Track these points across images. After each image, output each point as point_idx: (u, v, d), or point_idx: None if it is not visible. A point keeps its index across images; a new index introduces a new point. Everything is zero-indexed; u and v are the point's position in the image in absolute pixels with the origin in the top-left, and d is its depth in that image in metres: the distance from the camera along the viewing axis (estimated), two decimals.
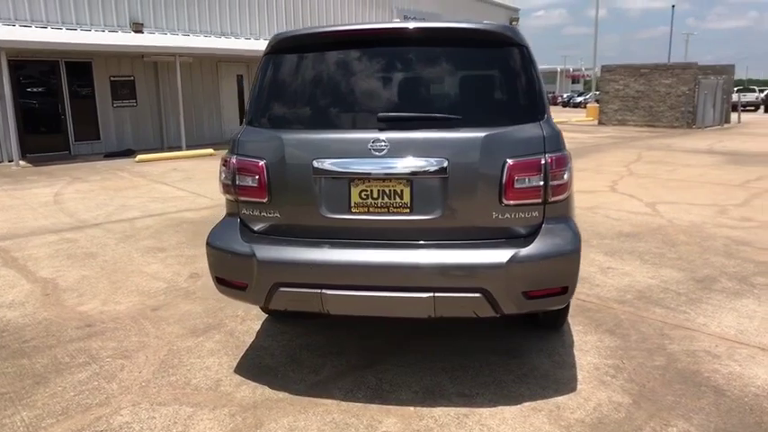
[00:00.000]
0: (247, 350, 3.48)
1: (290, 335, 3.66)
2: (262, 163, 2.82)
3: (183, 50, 14.66)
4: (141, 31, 14.96)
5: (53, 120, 14.25)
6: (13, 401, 2.94)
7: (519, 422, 2.67)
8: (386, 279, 2.63)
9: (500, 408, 2.79)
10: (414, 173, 2.64)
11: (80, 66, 14.42)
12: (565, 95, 51.05)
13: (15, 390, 3.05)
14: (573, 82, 70.13)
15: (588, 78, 56.56)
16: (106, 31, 14.44)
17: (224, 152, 3.16)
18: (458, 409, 2.78)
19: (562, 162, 2.68)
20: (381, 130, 2.69)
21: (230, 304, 4.23)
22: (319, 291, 2.67)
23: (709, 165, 11.54)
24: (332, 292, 2.65)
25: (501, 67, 2.76)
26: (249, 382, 3.10)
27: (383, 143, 2.65)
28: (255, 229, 2.93)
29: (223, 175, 2.99)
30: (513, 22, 27.22)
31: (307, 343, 3.55)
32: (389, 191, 2.69)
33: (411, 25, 2.79)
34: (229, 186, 2.94)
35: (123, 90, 15.20)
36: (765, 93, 37.71)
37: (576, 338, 3.53)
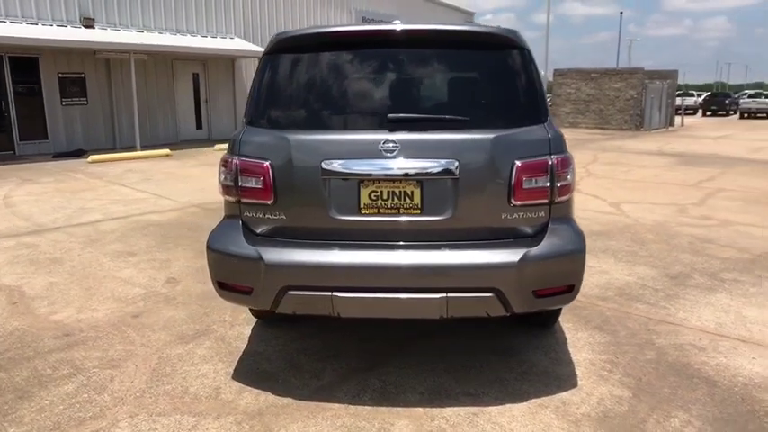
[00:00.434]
0: (242, 356, 3.39)
1: (285, 339, 3.59)
2: (266, 164, 2.75)
3: (139, 48, 14.17)
4: (92, 27, 14.34)
5: None
6: None
7: (528, 419, 2.71)
8: (398, 280, 2.62)
9: (508, 405, 2.82)
10: (425, 174, 2.64)
11: (26, 61, 13.69)
12: None
13: None
14: None
15: None
16: (54, 25, 13.76)
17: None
18: (467, 408, 2.80)
19: (566, 163, 2.74)
20: (391, 131, 2.67)
21: (216, 309, 4.11)
22: (330, 293, 2.63)
23: (661, 166, 12.07)
24: (343, 294, 2.62)
25: (506, 69, 2.80)
26: (250, 388, 3.02)
27: (394, 144, 2.64)
28: (258, 231, 2.85)
29: (223, 177, 2.90)
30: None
31: (303, 347, 3.49)
32: (400, 192, 2.67)
33: (419, 27, 2.80)
34: (231, 188, 2.85)
35: (73, 88, 14.53)
36: (703, 97, 39.80)
37: (568, 335, 3.62)
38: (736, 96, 39.67)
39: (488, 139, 2.66)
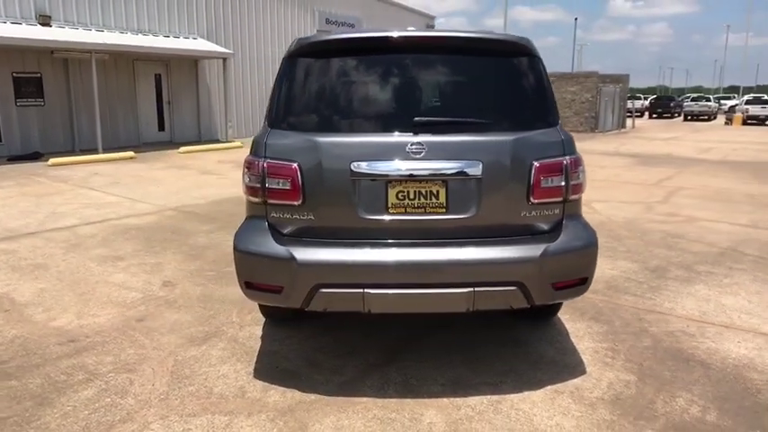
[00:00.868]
0: (259, 356, 3.43)
1: (298, 338, 3.65)
2: (295, 165, 2.82)
3: (100, 47, 13.76)
4: (49, 25, 13.83)
5: None
6: (20, 425, 2.72)
7: (548, 404, 2.88)
8: (428, 276, 2.74)
9: (526, 393, 2.98)
10: (451, 174, 2.77)
11: None
12: None
13: (17, 413, 2.82)
14: None
15: None
16: (8, 22, 13.20)
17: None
18: (489, 396, 2.95)
19: (578, 163, 2.93)
20: (416, 133, 2.79)
21: (221, 312, 4.13)
22: (362, 290, 2.72)
23: (621, 166, 12.63)
24: (375, 291, 2.72)
25: (522, 75, 2.97)
26: (275, 386, 3.07)
27: (421, 146, 2.76)
28: (285, 231, 2.91)
29: (248, 178, 2.95)
30: (429, 29, 28.06)
31: (318, 345, 3.56)
32: (426, 192, 2.79)
33: (442, 34, 2.93)
34: (257, 189, 2.90)
35: (28, 88, 13.96)
36: (649, 100, 41.66)
37: (567, 326, 3.82)
38: (680, 99, 41.72)
39: (509, 141, 2.82)
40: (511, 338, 3.63)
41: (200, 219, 7.23)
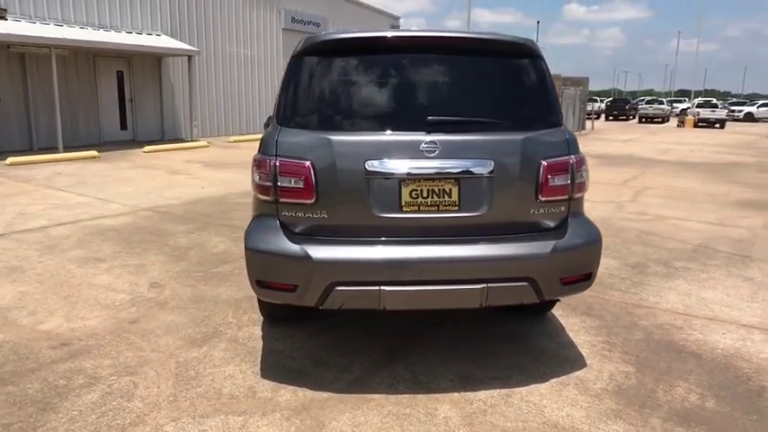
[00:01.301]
0: (263, 356, 3.40)
1: (299, 337, 3.64)
2: (308, 163, 2.82)
3: (60, 42, 13.25)
4: (5, 18, 13.23)
5: None
6: (26, 431, 2.62)
7: (556, 396, 2.97)
8: (443, 273, 2.78)
9: (534, 386, 3.07)
10: (464, 173, 2.82)
11: None
12: None
13: (21, 419, 2.72)
14: None
15: None
16: None
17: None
18: (498, 390, 3.02)
19: (582, 162, 3.04)
20: (429, 132, 2.83)
21: (216, 312, 4.07)
22: (378, 288, 2.74)
23: None
24: (391, 288, 2.75)
25: (529, 75, 3.05)
26: (284, 385, 3.06)
27: (435, 145, 2.80)
28: (297, 230, 2.91)
29: (258, 177, 2.93)
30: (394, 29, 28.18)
31: (321, 344, 3.55)
32: (439, 190, 2.84)
33: (453, 34, 2.98)
34: (269, 188, 2.88)
35: None
36: (606, 102, 43.04)
37: (562, 321, 3.94)
38: (635, 102, 43.27)
39: (519, 140, 2.89)
40: (510, 334, 3.71)
41: (176, 219, 7.08)
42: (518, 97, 3.07)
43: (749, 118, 41.13)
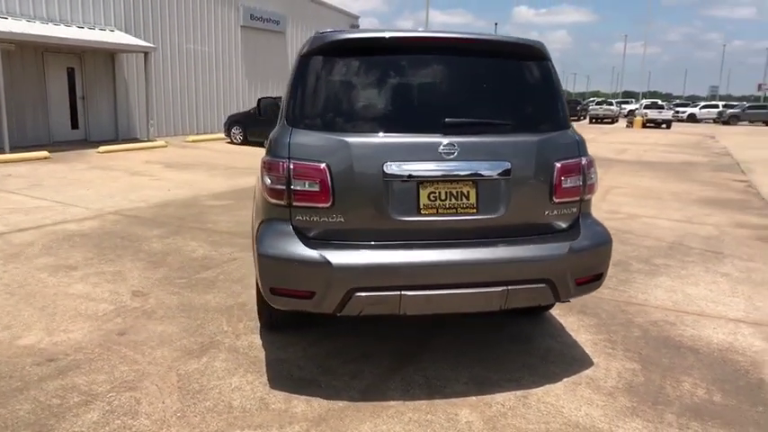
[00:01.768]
0: (268, 365, 3.28)
1: (301, 345, 3.53)
2: (323, 166, 2.73)
3: (5, 36, 12.50)
4: None
5: None
6: None
7: (571, 396, 2.99)
8: (465, 276, 2.75)
9: (547, 386, 3.08)
10: (483, 175, 2.80)
11: None
12: None
13: None
14: None
15: None
16: None
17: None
18: (513, 392, 3.01)
19: (592, 164, 3.07)
20: (446, 134, 2.79)
21: (208, 321, 3.91)
22: (399, 293, 2.68)
23: None
24: (412, 293, 2.69)
25: (541, 78, 3.05)
26: (296, 396, 2.95)
27: (453, 147, 2.76)
28: (311, 235, 2.81)
29: (269, 180, 2.81)
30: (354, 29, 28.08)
31: (325, 351, 3.46)
32: (456, 192, 2.80)
33: (468, 36, 2.95)
34: (281, 191, 2.77)
35: None
36: None
37: (560, 321, 3.98)
38: (585, 103, 44.69)
39: (534, 141, 2.89)
40: (513, 335, 3.72)
41: (147, 223, 6.79)
42: (530, 99, 3.08)
43: (692, 119, 43.23)
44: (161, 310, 4.10)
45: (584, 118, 40.16)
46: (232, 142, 17.03)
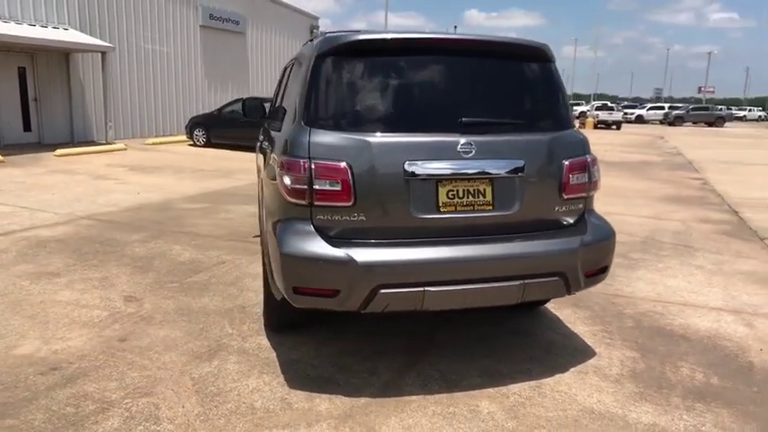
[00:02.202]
0: (282, 366, 3.28)
1: (312, 344, 3.54)
2: (345, 165, 2.76)
3: None
4: None
5: None
6: None
7: (580, 384, 3.12)
8: (485, 271, 2.83)
9: (557, 376, 3.20)
10: (499, 172, 2.90)
11: None
12: None
13: None
14: None
15: None
16: None
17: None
18: (527, 383, 3.12)
19: (596, 162, 3.22)
20: (463, 133, 2.88)
21: (210, 324, 3.86)
22: (422, 289, 2.74)
23: None
24: (435, 288, 2.76)
25: (548, 79, 3.18)
26: (317, 394, 2.97)
27: (471, 146, 2.85)
28: (332, 234, 2.83)
29: (290, 180, 2.82)
30: (315, 30, 27.98)
31: (337, 350, 3.48)
32: (473, 190, 2.89)
33: (482, 38, 3.04)
34: (303, 191, 2.78)
35: None
36: None
37: (556, 314, 4.13)
38: None
39: (545, 140, 3.02)
40: (515, 329, 3.84)
41: (124, 228, 6.61)
42: (539, 99, 3.19)
43: (640, 120, 45.10)
44: (159, 315, 4.02)
45: None
46: (195, 144, 16.67)
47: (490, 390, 3.04)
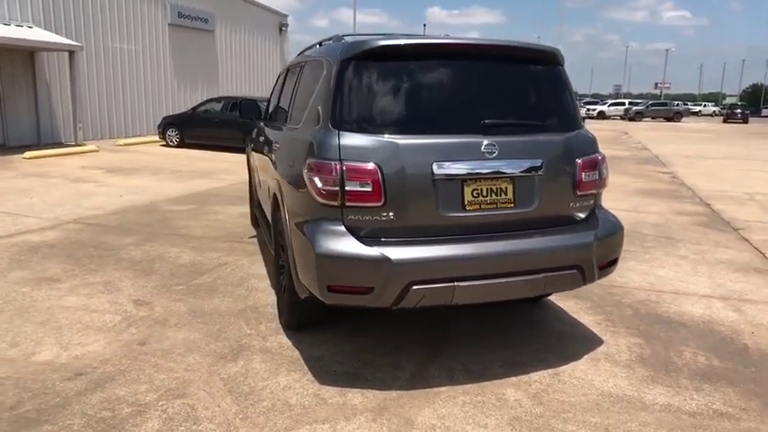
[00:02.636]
0: (308, 363, 3.36)
1: (333, 342, 3.62)
2: (375, 167, 2.86)
3: None
4: None
5: None
6: None
7: (594, 370, 3.30)
8: (511, 266, 2.98)
9: (572, 364, 3.38)
10: (521, 172, 3.05)
11: None
12: None
13: None
14: None
15: None
16: None
17: None
18: (546, 371, 3.28)
19: (605, 160, 3.41)
20: (486, 134, 3.01)
21: (228, 325, 3.91)
22: (453, 284, 2.87)
23: None
24: (465, 283, 2.88)
25: (559, 81, 3.35)
26: (349, 389, 3.07)
27: (494, 146, 2.98)
28: (362, 233, 2.93)
29: (321, 182, 2.90)
30: (283, 28, 27.80)
31: (358, 346, 3.58)
32: (496, 188, 3.03)
33: (501, 43, 3.19)
34: (335, 192, 2.87)
35: None
36: None
37: (559, 305, 4.32)
38: None
39: (561, 140, 3.18)
40: (523, 321, 4.01)
41: (114, 231, 6.53)
42: (553, 100, 3.35)
43: (601, 116, 46.33)
44: (173, 317, 4.03)
45: None
46: (168, 145, 16.40)
47: (513, 378, 3.19)
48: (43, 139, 15.88)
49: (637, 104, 48.71)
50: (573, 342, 3.68)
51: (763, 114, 61.65)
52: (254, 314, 4.11)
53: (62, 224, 6.82)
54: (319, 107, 3.17)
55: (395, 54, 3.04)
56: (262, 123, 5.57)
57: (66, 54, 15.47)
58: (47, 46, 14.89)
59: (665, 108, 47.41)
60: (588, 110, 44.82)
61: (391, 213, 2.91)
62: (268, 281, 4.82)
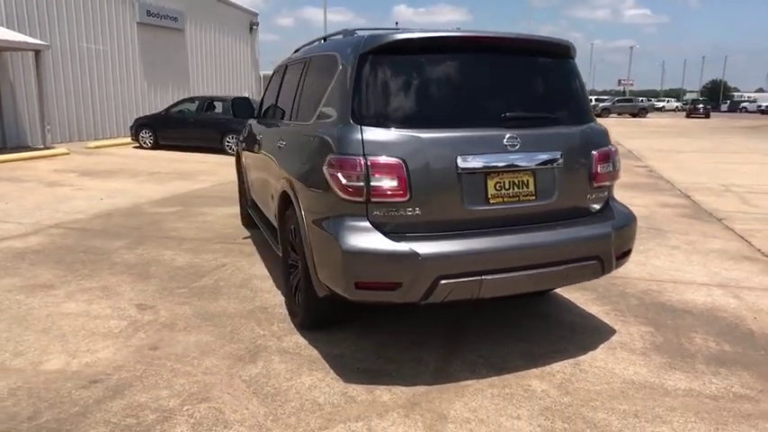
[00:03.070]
0: (328, 362, 3.32)
1: (350, 340, 3.59)
2: (400, 161, 2.84)
3: None
4: None
5: None
6: None
7: (612, 358, 3.36)
8: (535, 258, 3.00)
9: (590, 353, 3.43)
10: (542, 164, 3.08)
11: None
12: None
13: None
14: None
15: None
16: None
17: None
18: (566, 361, 3.32)
19: (617, 152, 3.47)
20: (507, 128, 3.03)
21: (239, 327, 3.84)
22: (480, 278, 2.87)
23: None
24: (492, 276, 2.89)
25: (572, 74, 3.39)
26: (375, 386, 3.04)
27: (516, 139, 3.00)
28: (387, 229, 2.90)
29: (345, 178, 2.87)
30: (254, 27, 27.47)
31: (375, 343, 3.55)
32: (518, 181, 3.05)
33: (519, 36, 3.21)
34: (360, 188, 2.84)
35: None
36: None
37: (567, 296, 4.38)
38: None
39: (578, 132, 3.22)
40: (535, 313, 4.05)
41: (100, 235, 6.34)
42: (567, 93, 3.39)
43: None
44: (180, 321, 3.94)
45: None
46: (141, 147, 16.01)
47: (535, 370, 3.22)
48: (8, 142, 15.32)
49: (604, 101, 49.81)
50: (587, 332, 3.73)
51: (722, 109, 63.89)
52: (263, 315, 4.04)
53: (44, 229, 6.58)
54: (336, 103, 3.13)
55: (413, 48, 3.02)
56: (256, 122, 5.48)
57: (32, 54, 14.95)
58: (11, 45, 14.34)
59: (631, 104, 48.63)
60: None
61: (417, 208, 2.90)
62: (271, 281, 4.75)
